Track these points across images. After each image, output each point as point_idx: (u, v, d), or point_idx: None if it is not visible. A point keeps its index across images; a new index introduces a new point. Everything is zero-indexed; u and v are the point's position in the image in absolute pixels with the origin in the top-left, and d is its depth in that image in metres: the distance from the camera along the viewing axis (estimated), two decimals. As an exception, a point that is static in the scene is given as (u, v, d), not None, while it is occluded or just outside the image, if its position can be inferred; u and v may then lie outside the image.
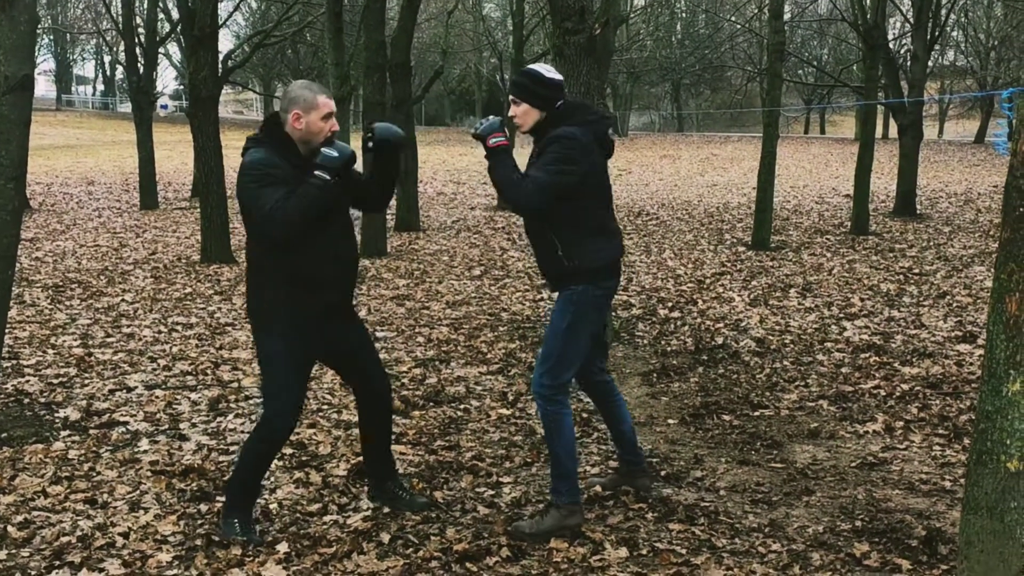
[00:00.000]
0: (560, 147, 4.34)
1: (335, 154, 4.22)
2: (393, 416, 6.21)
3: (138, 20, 23.49)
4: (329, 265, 4.36)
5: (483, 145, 4.44)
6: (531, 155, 4.55)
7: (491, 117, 4.54)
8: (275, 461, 5.46)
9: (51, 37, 61.28)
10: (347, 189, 4.45)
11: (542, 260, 4.59)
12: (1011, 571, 3.41)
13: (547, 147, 4.39)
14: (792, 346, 8.25)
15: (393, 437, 5.82)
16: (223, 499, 4.68)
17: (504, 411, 6.48)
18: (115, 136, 47.56)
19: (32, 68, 6.14)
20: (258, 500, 4.87)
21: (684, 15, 53.88)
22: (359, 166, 4.65)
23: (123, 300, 10.62)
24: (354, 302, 4.77)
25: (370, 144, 4.42)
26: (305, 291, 4.31)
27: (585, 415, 6.26)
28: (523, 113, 4.51)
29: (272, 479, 5.22)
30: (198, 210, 14.94)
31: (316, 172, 4.18)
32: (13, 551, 4.35)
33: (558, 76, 4.56)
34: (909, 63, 20.66)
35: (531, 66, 4.64)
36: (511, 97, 4.56)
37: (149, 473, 5.32)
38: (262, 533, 4.49)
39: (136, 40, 22.51)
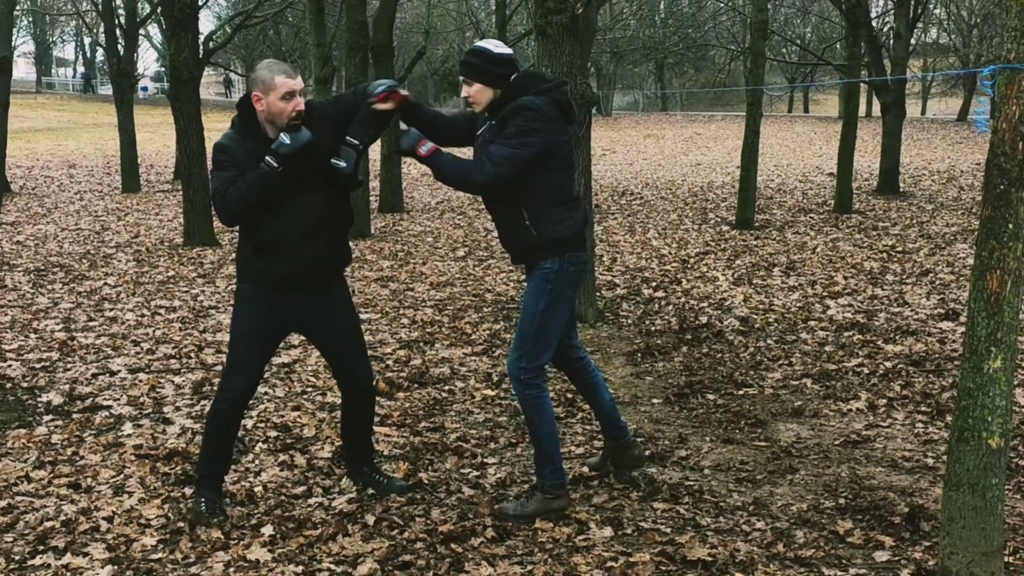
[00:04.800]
0: (522, 119, 4.26)
1: (287, 141, 4.16)
2: (377, 399, 6.24)
3: (118, 1, 23.29)
4: (295, 233, 4.28)
5: (415, 157, 4.35)
6: (483, 131, 4.48)
7: (410, 129, 4.43)
8: (260, 444, 5.47)
9: (30, 19, 60.71)
10: (321, 164, 4.33)
11: (508, 234, 4.49)
12: (992, 546, 3.44)
13: (509, 119, 4.30)
14: (776, 325, 8.27)
15: (377, 419, 5.84)
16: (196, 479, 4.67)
17: (489, 392, 6.48)
18: (96, 119, 47.15)
19: (9, 50, 6.09)
20: (243, 483, 4.88)
21: (667, -6, 53.74)
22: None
23: (105, 284, 10.57)
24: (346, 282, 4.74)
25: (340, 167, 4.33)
26: (266, 253, 4.31)
27: (570, 395, 6.27)
28: (476, 92, 4.41)
29: (256, 462, 5.21)
30: (180, 192, 14.87)
31: (267, 158, 4.16)
32: (-4, 536, 4.34)
33: (508, 51, 4.45)
34: (892, 41, 20.69)
35: (479, 43, 4.52)
36: (462, 78, 4.46)
37: (133, 457, 5.31)
38: (247, 516, 4.49)
39: (116, 21, 22.34)
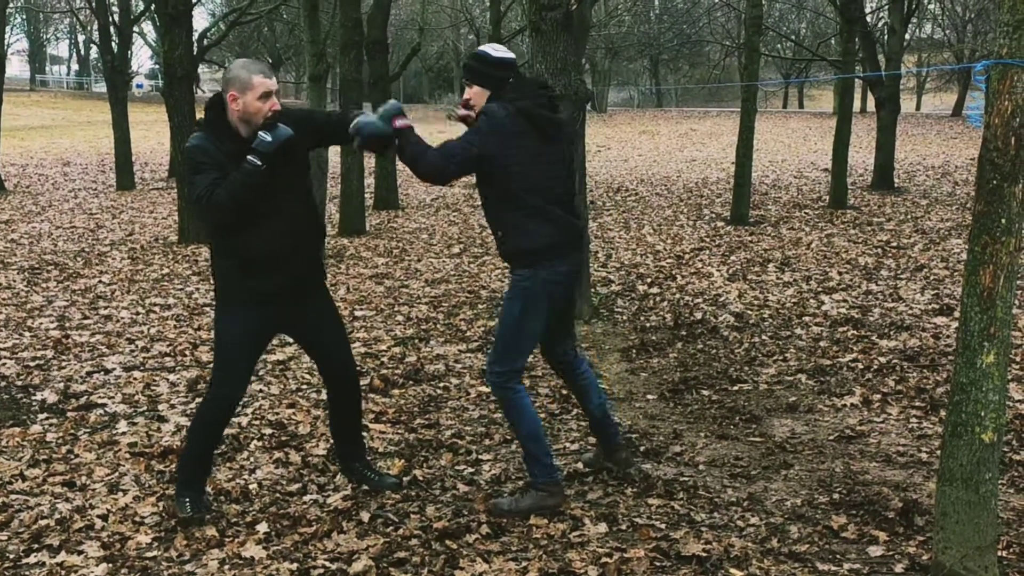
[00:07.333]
0: (480, 122, 4.32)
1: (268, 139, 4.14)
2: (371, 395, 6.26)
3: (111, -2, 23.22)
4: (280, 242, 4.27)
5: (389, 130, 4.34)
6: None
7: (391, 101, 4.46)
8: (254, 441, 5.47)
9: (23, 16, 60.59)
10: (298, 164, 4.38)
11: (496, 242, 4.57)
12: (986, 540, 3.45)
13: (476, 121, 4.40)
14: (771, 320, 8.28)
15: (372, 416, 5.84)
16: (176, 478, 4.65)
17: (483, 389, 6.47)
18: (90, 116, 47.11)
19: (2, 48, 6.07)
20: (238, 480, 4.88)
21: (662, -11, 53.72)
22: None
23: (100, 282, 10.56)
24: (327, 281, 4.73)
25: (356, 144, 4.36)
26: (254, 268, 4.27)
27: (564, 391, 6.27)
28: (476, 95, 4.45)
29: (251, 459, 5.21)
30: (175, 190, 14.87)
31: (249, 157, 4.13)
32: (-9, 535, 4.34)
33: (508, 55, 4.48)
34: (886, 36, 20.72)
35: (481, 47, 4.57)
36: (463, 80, 4.53)
37: (128, 455, 5.31)
38: (242, 513, 4.49)
39: (110, 19, 22.27)
